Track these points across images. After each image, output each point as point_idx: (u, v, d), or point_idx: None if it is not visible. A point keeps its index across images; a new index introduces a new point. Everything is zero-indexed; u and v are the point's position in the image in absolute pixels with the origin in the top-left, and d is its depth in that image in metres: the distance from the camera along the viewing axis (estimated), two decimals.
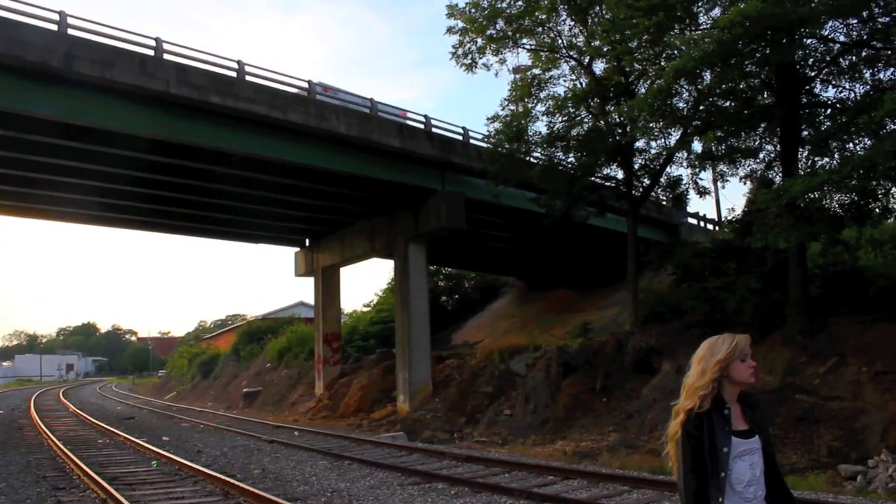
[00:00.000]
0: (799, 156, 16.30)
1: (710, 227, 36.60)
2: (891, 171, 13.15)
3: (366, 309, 42.21)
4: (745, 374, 3.28)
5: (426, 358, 25.44)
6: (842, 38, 15.67)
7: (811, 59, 15.98)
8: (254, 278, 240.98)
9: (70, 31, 16.25)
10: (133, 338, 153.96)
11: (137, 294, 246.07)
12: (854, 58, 15.76)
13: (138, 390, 67.85)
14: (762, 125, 17.09)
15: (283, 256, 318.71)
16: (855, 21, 14.95)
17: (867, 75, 15.96)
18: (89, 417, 28.21)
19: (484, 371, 24.11)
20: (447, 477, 12.48)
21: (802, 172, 15.04)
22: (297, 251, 33.30)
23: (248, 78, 19.25)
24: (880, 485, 10.70)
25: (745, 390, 3.36)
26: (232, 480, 11.85)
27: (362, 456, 15.76)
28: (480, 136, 24.23)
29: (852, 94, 16.23)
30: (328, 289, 31.60)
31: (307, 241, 32.44)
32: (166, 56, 17.77)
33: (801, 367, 14.86)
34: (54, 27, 16.07)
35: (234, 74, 19.01)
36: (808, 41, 15.40)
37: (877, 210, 15.65)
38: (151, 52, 17.53)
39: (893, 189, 15.16)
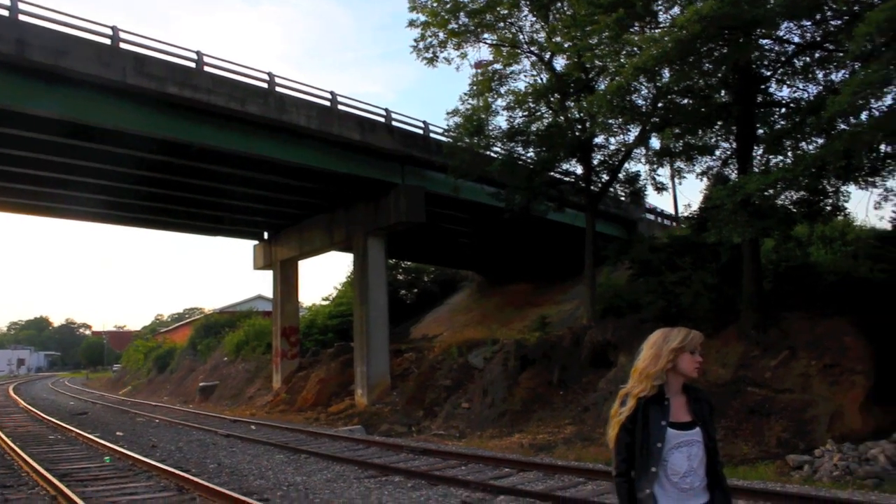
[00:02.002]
0: (754, 153, 16.56)
1: (667, 222, 37.08)
2: (841, 170, 13.45)
3: (325, 303, 42.04)
4: (691, 367, 3.35)
5: (384, 351, 25.43)
6: (796, 40, 15.95)
7: (767, 60, 16.24)
8: (212, 271, 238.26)
9: (21, 17, 15.92)
10: (87, 332, 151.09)
11: (92, 287, 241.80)
12: (808, 59, 16.04)
13: (92, 385, 66.76)
14: (719, 123, 17.33)
15: (242, 249, 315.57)
16: (808, 23, 15.21)
17: (820, 76, 16.27)
18: (40, 413, 27.70)
19: (442, 364, 24.16)
20: (404, 470, 12.51)
21: (757, 170, 15.30)
22: (255, 244, 33.09)
23: (206, 69, 19.04)
24: (825, 473, 10.97)
25: (692, 384, 3.42)
26: (187, 475, 11.74)
27: (319, 449, 15.71)
28: (441, 130, 24.28)
29: (806, 94, 16.54)
30: (286, 282, 31.45)
31: (266, 233, 32.26)
32: (123, 45, 17.50)
33: (753, 360, 15.12)
34: (5, 13, 15.73)
35: (192, 65, 18.80)
36: (764, 42, 15.64)
37: (827, 207, 15.98)
38: (108, 41, 17.26)
39: (843, 187, 15.48)
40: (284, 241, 30.95)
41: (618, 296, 21.68)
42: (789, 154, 15.57)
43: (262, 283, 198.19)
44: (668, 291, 18.96)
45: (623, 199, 26.16)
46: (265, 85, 20.36)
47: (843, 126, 13.40)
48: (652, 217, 36.37)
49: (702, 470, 3.29)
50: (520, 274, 34.07)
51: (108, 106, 17.63)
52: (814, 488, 10.11)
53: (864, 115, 12.97)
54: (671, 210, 38.41)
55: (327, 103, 21.83)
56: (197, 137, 19.45)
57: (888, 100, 13.22)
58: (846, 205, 16.67)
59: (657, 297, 19.11)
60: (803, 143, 15.42)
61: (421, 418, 21.43)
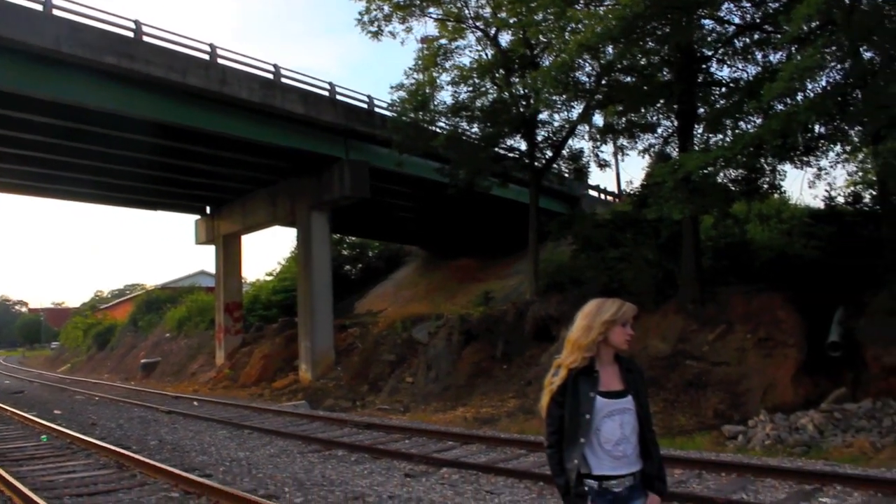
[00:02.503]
0: (694, 132, 16.85)
1: (609, 199, 37.53)
2: (777, 149, 13.75)
3: (268, 278, 41.66)
4: (621, 339, 3.41)
5: (329, 327, 25.38)
6: (736, 21, 16.22)
7: (708, 40, 16.47)
8: (153, 247, 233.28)
9: None
10: (24, 309, 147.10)
11: (28, 264, 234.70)
12: (747, 40, 16.34)
13: (29, 363, 65.25)
14: (661, 101, 17.53)
15: (184, 224, 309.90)
16: (748, 4, 15.49)
17: (759, 57, 16.58)
18: None
19: (386, 339, 24.21)
20: (347, 444, 12.57)
21: (697, 148, 15.56)
22: (197, 218, 32.60)
23: (145, 39, 18.63)
24: (758, 443, 11.36)
25: (624, 356, 3.49)
26: (127, 452, 11.60)
27: (263, 425, 15.68)
28: (385, 105, 24.15)
29: (745, 75, 16.85)
30: (229, 257, 31.11)
31: (208, 208, 31.78)
32: (56, 12, 16.97)
33: (691, 334, 15.49)
34: None
35: (131, 35, 18.36)
36: (706, 22, 15.86)
37: (764, 186, 16.37)
38: (40, 7, 16.72)
39: (779, 166, 15.86)
40: (227, 215, 30.55)
41: (561, 271, 21.91)
42: (728, 133, 15.87)
43: (205, 259, 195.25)
44: (609, 267, 19.23)
45: (567, 175, 26.38)
46: (206, 56, 20.00)
47: (779, 106, 13.69)
48: (595, 194, 36.77)
49: (634, 438, 3.36)
50: (464, 249, 34.17)
51: (42, 75, 17.09)
52: (746, 457, 10.46)
53: (799, 97, 13.29)
54: (614, 188, 38.91)
55: (270, 76, 21.56)
56: (136, 110, 19.03)
57: (822, 82, 13.61)
58: (782, 183, 17.11)
59: (599, 272, 19.37)
60: (742, 123, 15.73)
61: (365, 393, 21.48)
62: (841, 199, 18.67)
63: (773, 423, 11.74)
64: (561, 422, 3.38)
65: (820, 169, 15.36)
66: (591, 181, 32.75)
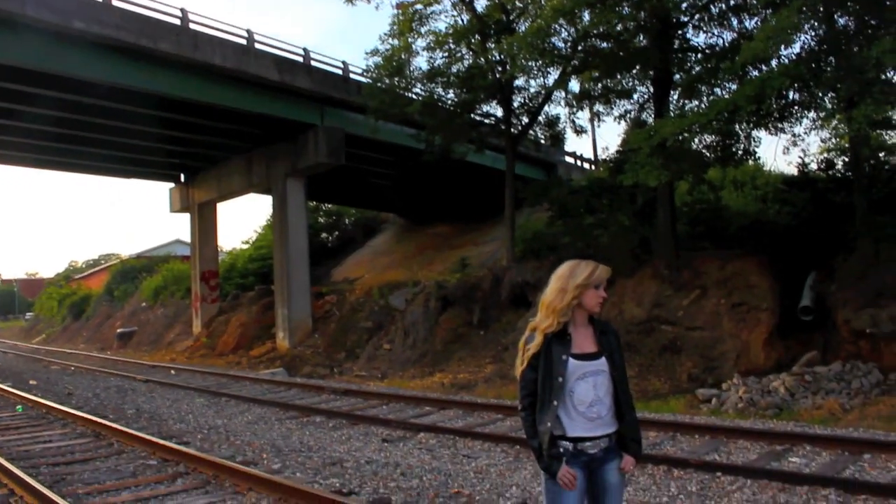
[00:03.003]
0: (670, 98, 16.85)
1: (586, 166, 37.57)
2: (752, 115, 13.81)
3: (245, 246, 41.41)
4: (594, 302, 3.42)
5: (306, 294, 25.36)
6: None
7: (684, 5, 16.42)
8: (128, 216, 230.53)
9: None
10: None
11: None
12: (723, 6, 16.31)
13: (3, 335, 64.55)
14: (637, 67, 17.50)
15: (159, 192, 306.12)
16: None
17: (734, 23, 16.57)
18: None
19: (364, 306, 24.25)
20: (325, 410, 12.62)
21: (673, 114, 15.57)
22: (171, 187, 32.29)
23: (115, 3, 18.29)
24: (731, 406, 11.56)
25: (598, 318, 3.51)
26: (104, 421, 11.57)
27: (240, 393, 15.70)
28: (361, 71, 23.93)
29: (721, 41, 16.85)
30: (205, 225, 30.89)
31: (183, 175, 31.47)
32: None
33: (666, 299, 15.62)
34: None
35: None
36: None
37: (739, 152, 16.43)
38: None
39: (754, 132, 15.92)
40: (202, 183, 30.28)
41: (537, 237, 21.95)
42: (704, 99, 15.88)
43: (180, 227, 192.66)
44: (586, 233, 19.29)
45: (543, 141, 26.34)
46: (178, 21, 19.69)
47: (754, 73, 13.71)
48: (571, 160, 36.78)
49: (608, 399, 3.40)
50: (441, 216, 34.15)
51: (6, 41, 16.74)
52: (720, 419, 10.65)
53: (773, 62, 13.33)
54: (591, 154, 38.91)
55: (244, 42, 21.27)
56: (107, 76, 18.72)
57: (796, 48, 13.65)
58: (757, 150, 17.21)
59: (576, 238, 19.43)
60: (717, 89, 15.76)
61: (343, 360, 21.55)
62: (814, 166, 18.82)
63: (745, 387, 11.93)
64: (534, 385, 3.40)
65: (794, 135, 15.47)
66: (568, 148, 32.80)
